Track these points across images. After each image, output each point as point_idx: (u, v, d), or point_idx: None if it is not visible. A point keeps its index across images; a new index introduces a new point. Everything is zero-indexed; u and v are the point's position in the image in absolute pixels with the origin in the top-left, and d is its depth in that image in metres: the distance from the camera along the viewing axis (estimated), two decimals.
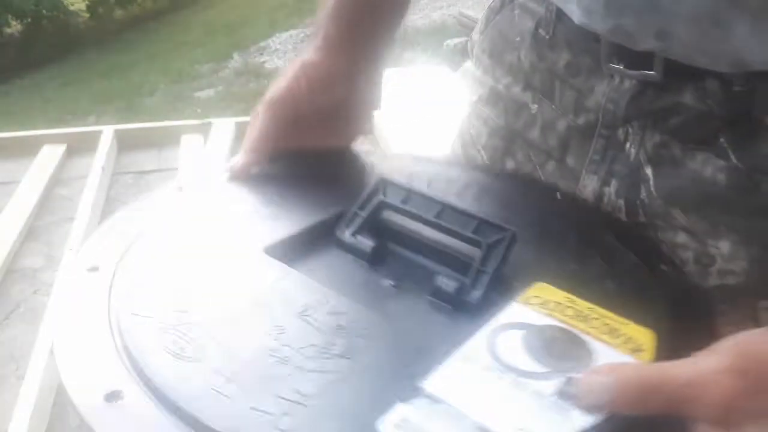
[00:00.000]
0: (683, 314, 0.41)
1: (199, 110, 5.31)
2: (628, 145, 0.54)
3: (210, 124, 2.32)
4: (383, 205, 0.45)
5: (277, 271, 0.42)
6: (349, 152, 0.61)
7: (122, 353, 0.36)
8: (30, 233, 1.97)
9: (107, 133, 2.34)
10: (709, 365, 0.30)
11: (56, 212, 2.07)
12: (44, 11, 7.43)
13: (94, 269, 0.43)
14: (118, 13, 8.16)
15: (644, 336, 0.37)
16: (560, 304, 0.39)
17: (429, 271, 0.44)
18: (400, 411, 0.33)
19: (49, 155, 2.27)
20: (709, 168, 0.51)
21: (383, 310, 0.41)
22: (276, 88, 0.57)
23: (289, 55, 5.84)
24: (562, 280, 0.41)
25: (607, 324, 0.37)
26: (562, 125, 0.58)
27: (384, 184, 0.46)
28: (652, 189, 0.54)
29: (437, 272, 0.43)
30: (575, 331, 0.37)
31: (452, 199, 0.46)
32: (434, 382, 0.34)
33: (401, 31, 0.64)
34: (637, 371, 0.32)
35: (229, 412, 0.33)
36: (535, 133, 0.60)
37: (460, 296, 0.41)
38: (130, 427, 0.33)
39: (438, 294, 0.42)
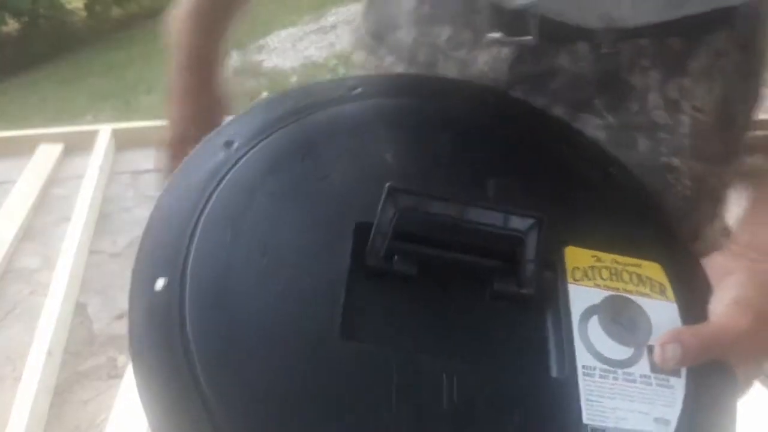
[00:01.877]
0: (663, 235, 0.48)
1: None
2: None
3: None
4: (402, 218, 0.42)
5: (349, 356, 0.38)
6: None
7: (183, 255, 0.38)
8: (26, 233, 1.97)
9: (104, 132, 2.34)
10: (739, 329, 0.41)
11: (53, 212, 2.06)
12: (41, 10, 7.40)
13: (229, 144, 0.43)
14: (116, 11, 8.12)
15: (656, 273, 0.44)
16: (594, 267, 0.44)
17: (470, 268, 0.43)
18: None
19: (46, 154, 2.26)
20: (589, 128, 0.54)
21: (458, 334, 0.41)
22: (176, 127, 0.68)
23: (288, 54, 5.82)
24: (577, 233, 0.45)
25: (632, 272, 0.44)
26: None
27: (393, 192, 0.42)
28: None
29: (482, 269, 0.42)
30: (623, 294, 0.43)
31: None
32: (589, 414, 0.38)
33: None
34: (695, 335, 0.41)
35: None
36: None
37: (519, 293, 0.42)
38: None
39: (497, 296, 0.42)
